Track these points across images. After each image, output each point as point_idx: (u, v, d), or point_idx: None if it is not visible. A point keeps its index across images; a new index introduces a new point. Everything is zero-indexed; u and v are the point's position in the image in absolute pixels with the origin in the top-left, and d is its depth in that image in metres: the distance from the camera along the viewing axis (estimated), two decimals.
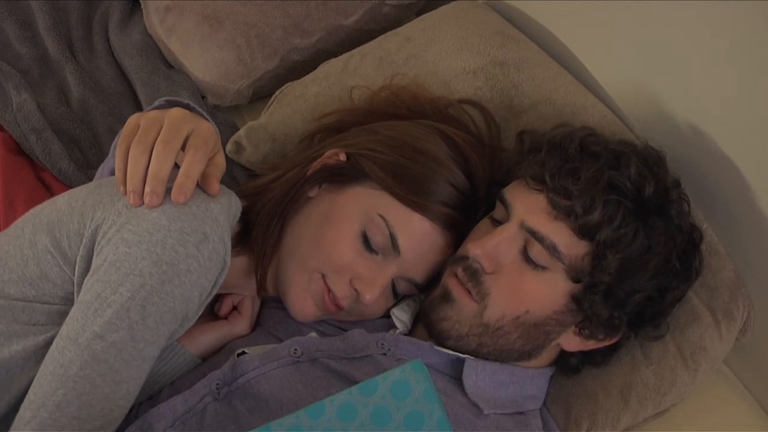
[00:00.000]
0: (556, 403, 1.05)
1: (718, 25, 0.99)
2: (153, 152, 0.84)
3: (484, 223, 1.02)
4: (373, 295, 0.98)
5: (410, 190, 0.99)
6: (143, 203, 0.83)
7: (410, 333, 1.06)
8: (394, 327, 1.06)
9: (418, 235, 0.99)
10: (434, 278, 1.03)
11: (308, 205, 1.02)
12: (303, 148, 1.16)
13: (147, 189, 0.83)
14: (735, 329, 1.05)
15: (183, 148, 0.86)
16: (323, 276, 0.99)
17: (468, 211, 1.03)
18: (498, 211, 1.00)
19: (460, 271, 0.97)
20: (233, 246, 0.96)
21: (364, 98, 1.19)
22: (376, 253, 0.99)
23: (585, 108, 1.16)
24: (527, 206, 0.96)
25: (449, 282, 0.99)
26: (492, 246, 0.95)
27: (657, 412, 1.06)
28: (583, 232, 0.93)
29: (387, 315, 1.07)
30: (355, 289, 0.99)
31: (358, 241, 0.98)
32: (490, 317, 0.96)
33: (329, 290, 0.99)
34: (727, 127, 1.04)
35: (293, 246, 1.01)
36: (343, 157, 1.03)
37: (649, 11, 1.07)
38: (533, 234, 0.94)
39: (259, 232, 1.00)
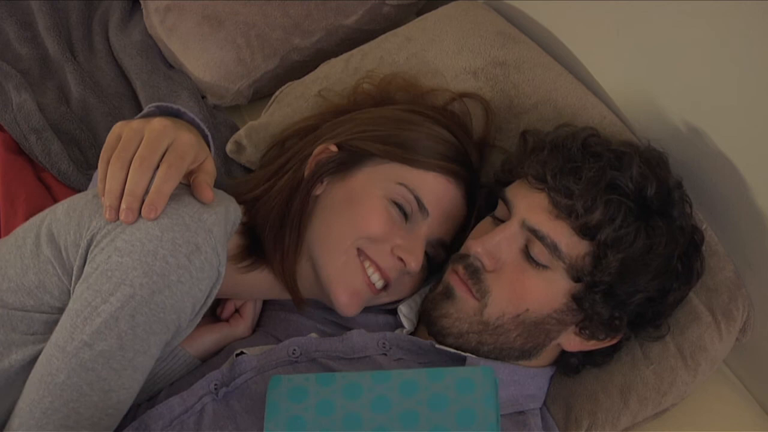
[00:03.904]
0: (556, 403, 1.06)
1: (718, 25, 0.99)
2: (130, 168, 0.84)
3: (486, 222, 1.02)
4: (418, 261, 1.00)
5: (414, 151, 1.02)
6: (119, 219, 0.83)
7: (414, 332, 1.06)
8: (400, 326, 1.06)
9: (438, 191, 1.02)
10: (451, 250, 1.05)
11: (319, 202, 1.03)
12: (275, 156, 1.15)
13: (123, 206, 0.83)
14: (735, 329, 1.05)
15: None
16: (360, 251, 0.99)
17: (470, 170, 1.06)
18: (500, 210, 1.00)
19: (461, 269, 0.97)
20: (247, 261, 0.98)
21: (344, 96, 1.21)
22: (406, 219, 1.00)
23: (585, 108, 1.16)
24: (528, 205, 0.96)
25: (451, 278, 0.99)
26: (493, 244, 0.96)
27: (657, 412, 1.06)
28: (584, 231, 0.93)
29: (393, 311, 1.08)
30: (399, 258, 0.99)
31: (390, 208, 1.00)
32: (490, 315, 0.96)
33: (370, 263, 0.99)
34: (727, 127, 1.04)
35: (321, 239, 1.00)
36: (334, 149, 1.04)
37: (650, 11, 1.07)
38: (534, 233, 0.94)
39: (271, 245, 1.00)
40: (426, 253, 1.03)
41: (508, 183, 1.02)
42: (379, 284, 1.01)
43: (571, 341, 1.00)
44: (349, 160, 1.03)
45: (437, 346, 0.98)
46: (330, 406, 0.78)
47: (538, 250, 0.94)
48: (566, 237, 0.93)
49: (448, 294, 0.98)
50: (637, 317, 0.98)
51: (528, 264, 0.95)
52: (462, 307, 0.97)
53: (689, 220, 1.00)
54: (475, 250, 0.96)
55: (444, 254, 1.06)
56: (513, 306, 0.96)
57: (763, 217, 1.04)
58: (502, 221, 0.99)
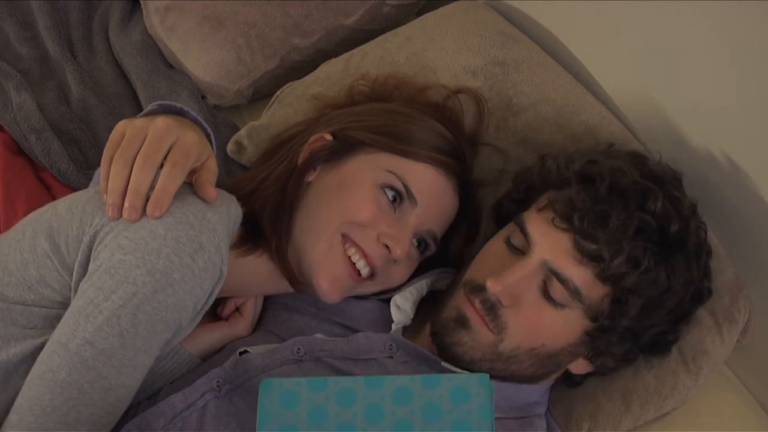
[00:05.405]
0: (558, 406, 1.06)
1: (717, 24, 0.99)
2: (134, 166, 0.83)
3: (499, 246, 1.00)
4: (403, 248, 0.99)
5: (406, 143, 1.02)
6: (122, 217, 0.83)
7: (413, 328, 1.05)
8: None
9: (427, 181, 1.02)
10: (446, 250, 1.06)
11: (311, 189, 1.03)
12: (268, 156, 1.15)
13: (126, 204, 0.82)
14: (736, 331, 1.05)
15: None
16: (345, 237, 0.99)
17: (462, 164, 1.06)
18: (516, 237, 0.98)
19: (477, 302, 0.96)
20: (245, 246, 0.98)
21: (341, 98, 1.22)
22: (394, 207, 1.00)
23: (584, 108, 1.16)
24: (552, 245, 0.94)
25: (465, 308, 0.97)
26: (512, 282, 0.94)
27: (658, 415, 1.06)
28: (608, 278, 0.92)
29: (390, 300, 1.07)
30: (385, 245, 0.99)
31: (378, 196, 0.99)
32: (506, 347, 0.96)
33: (356, 249, 0.98)
34: (727, 127, 1.04)
35: (307, 225, 1.00)
36: (329, 138, 1.05)
37: (650, 11, 1.07)
38: (556, 275, 0.93)
39: (268, 230, 1.00)
40: (418, 244, 1.03)
41: (522, 201, 1.02)
42: (365, 271, 1.00)
43: (580, 366, 1.01)
44: (341, 149, 1.03)
45: (443, 364, 0.98)
46: (323, 414, 0.77)
47: (557, 290, 0.93)
48: (589, 282, 0.93)
49: (463, 322, 0.97)
50: (649, 347, 0.99)
51: (545, 301, 0.94)
52: (477, 338, 0.96)
53: (703, 245, 0.99)
54: (495, 289, 0.94)
55: (436, 248, 1.05)
56: (529, 341, 0.95)
57: (763, 217, 1.03)
58: (518, 249, 0.97)
